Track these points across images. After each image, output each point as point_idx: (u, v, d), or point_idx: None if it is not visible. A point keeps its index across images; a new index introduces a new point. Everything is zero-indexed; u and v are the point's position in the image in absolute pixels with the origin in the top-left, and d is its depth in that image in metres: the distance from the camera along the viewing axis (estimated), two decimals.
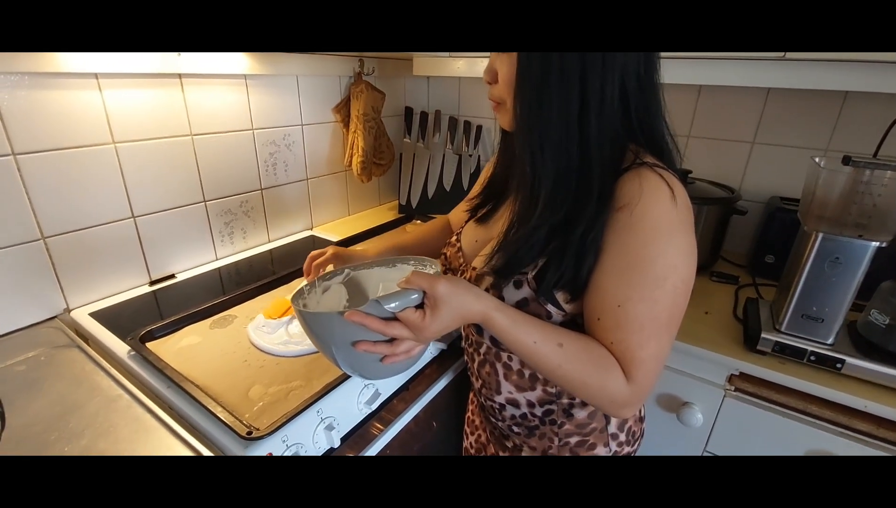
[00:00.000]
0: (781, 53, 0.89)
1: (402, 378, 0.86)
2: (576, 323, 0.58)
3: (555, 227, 0.54)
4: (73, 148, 0.88)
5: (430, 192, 1.58)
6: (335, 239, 1.31)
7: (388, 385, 0.83)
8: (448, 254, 0.76)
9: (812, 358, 0.83)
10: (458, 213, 0.86)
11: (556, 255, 0.54)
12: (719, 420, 0.92)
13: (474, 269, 0.65)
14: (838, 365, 0.81)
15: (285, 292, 1.03)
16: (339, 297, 0.68)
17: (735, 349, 0.89)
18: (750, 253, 1.25)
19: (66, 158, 0.88)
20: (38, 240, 0.87)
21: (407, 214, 1.56)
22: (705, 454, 0.96)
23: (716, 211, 1.14)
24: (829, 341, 0.83)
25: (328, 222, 1.50)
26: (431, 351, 0.92)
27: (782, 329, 0.86)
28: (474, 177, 1.59)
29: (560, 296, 0.55)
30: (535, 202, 0.55)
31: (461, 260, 0.72)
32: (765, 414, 0.87)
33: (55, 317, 0.92)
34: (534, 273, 0.56)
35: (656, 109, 0.56)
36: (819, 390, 0.81)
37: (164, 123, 1.00)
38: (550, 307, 0.56)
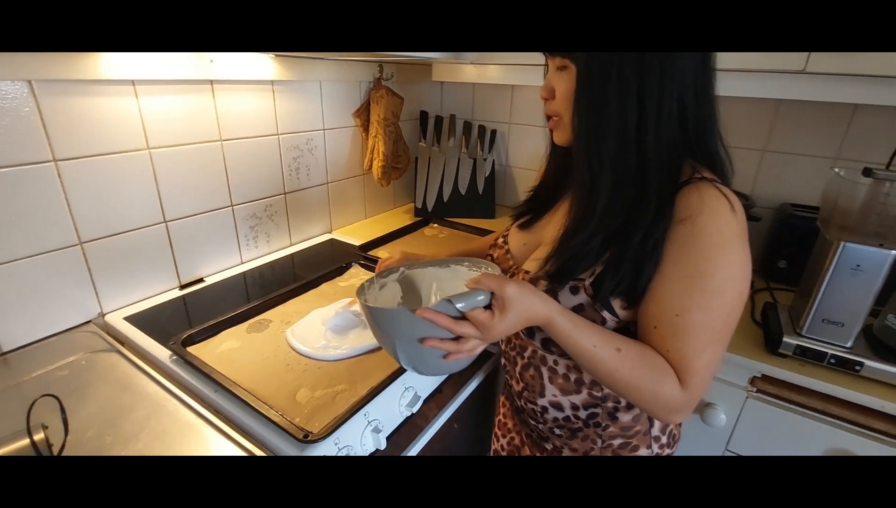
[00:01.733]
0: (801, 68, 0.92)
1: (437, 381, 0.89)
2: (628, 330, 0.60)
3: (611, 235, 0.56)
4: (111, 154, 0.89)
5: (446, 195, 1.61)
6: (356, 243, 1.33)
7: (426, 388, 0.85)
8: (496, 255, 0.78)
9: (832, 361, 0.86)
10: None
11: (613, 263, 0.56)
12: (741, 420, 0.96)
13: (527, 272, 0.67)
14: (857, 367, 0.85)
15: (315, 297, 1.05)
16: (394, 294, 0.70)
17: (757, 351, 0.93)
18: (763, 258, 1.29)
19: (104, 164, 0.88)
20: (76, 245, 0.88)
21: (423, 217, 1.57)
22: (727, 453, 1.00)
23: None
24: (849, 344, 0.86)
25: (347, 226, 1.51)
26: None
27: (803, 333, 0.89)
28: (489, 181, 1.62)
29: (616, 303, 0.58)
30: (592, 211, 0.57)
31: (510, 262, 0.74)
32: (785, 415, 0.91)
33: (90, 321, 0.93)
34: (591, 280, 0.58)
35: (712, 123, 0.58)
36: (838, 391, 0.84)
37: (196, 128, 1.01)
38: (606, 314, 0.58)
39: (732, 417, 0.96)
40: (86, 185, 0.87)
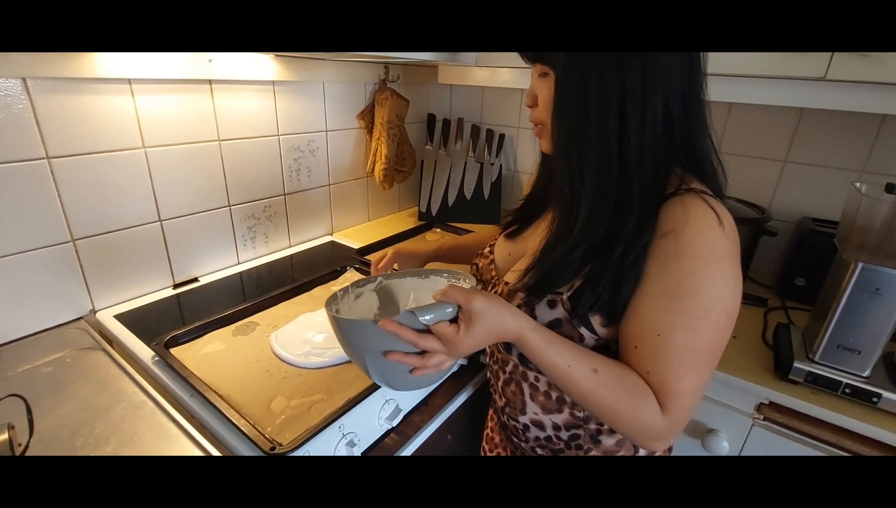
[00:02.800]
0: (822, 74, 0.86)
1: (423, 393, 0.86)
2: (609, 349, 0.56)
3: (592, 248, 0.53)
4: (105, 152, 0.89)
5: (451, 200, 1.58)
6: (355, 246, 1.31)
7: (409, 400, 0.82)
8: (480, 265, 0.76)
9: (847, 391, 0.80)
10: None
11: (592, 277, 0.53)
12: (746, 449, 0.90)
13: (507, 284, 0.64)
14: (874, 399, 0.78)
15: (307, 300, 1.03)
16: (370, 304, 0.68)
17: (765, 376, 0.87)
18: (779, 274, 1.22)
19: (98, 162, 0.89)
20: (69, 242, 0.88)
21: (427, 221, 1.55)
22: None
23: (745, 232, 1.11)
24: (866, 373, 0.80)
25: (348, 228, 1.50)
26: (452, 367, 0.91)
27: (816, 359, 0.83)
28: (495, 186, 1.58)
29: (595, 320, 0.54)
30: (572, 222, 0.54)
31: (493, 273, 0.71)
32: (794, 446, 0.84)
33: (81, 318, 0.93)
34: (569, 294, 0.55)
35: (701, 130, 0.54)
36: (853, 423, 0.78)
37: (194, 128, 1.01)
38: (584, 331, 0.55)
39: (736, 445, 0.90)
40: (79, 182, 0.87)
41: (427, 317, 0.49)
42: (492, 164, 1.58)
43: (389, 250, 0.86)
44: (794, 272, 1.13)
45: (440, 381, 0.57)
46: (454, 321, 0.51)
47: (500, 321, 0.51)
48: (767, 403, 0.86)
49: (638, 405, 0.51)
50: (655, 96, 0.49)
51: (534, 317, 0.57)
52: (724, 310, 0.49)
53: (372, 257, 0.88)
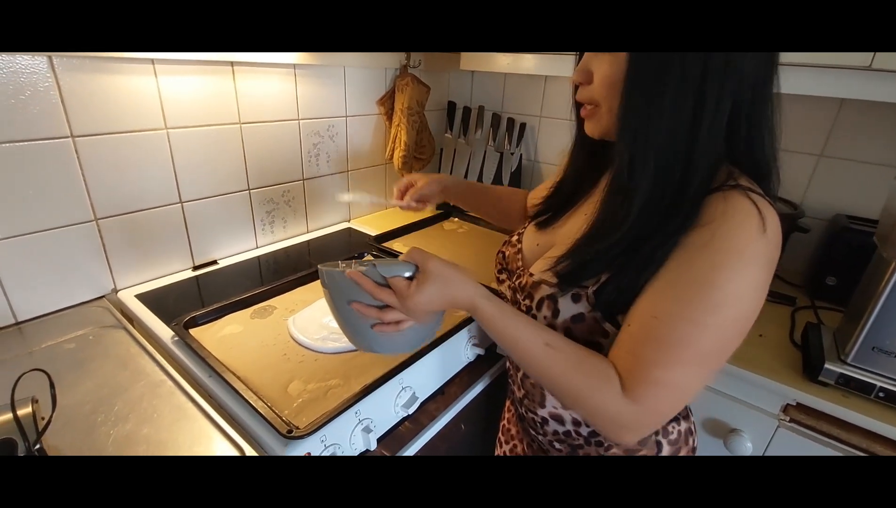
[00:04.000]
0: (867, 64, 0.82)
1: (438, 381, 0.85)
2: None
3: (634, 244, 0.50)
4: (128, 132, 0.89)
5: None
6: (373, 233, 1.30)
7: (425, 388, 0.82)
8: (507, 253, 0.74)
9: (881, 394, 0.77)
10: (536, 196, 0.82)
11: (619, 270, 0.51)
12: (770, 451, 0.87)
13: (531, 275, 0.62)
14: None
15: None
16: None
17: (792, 377, 0.84)
18: (809, 273, 1.18)
19: (121, 142, 0.89)
20: (92, 221, 0.89)
21: (445, 210, 1.53)
22: None
23: None
24: None
25: (365, 215, 1.49)
26: (468, 356, 0.90)
27: (849, 361, 0.80)
28: (515, 176, 1.56)
29: (620, 317, 0.52)
30: (623, 213, 0.50)
31: (520, 263, 0.69)
32: (822, 449, 0.82)
33: (103, 297, 0.95)
34: (594, 288, 0.53)
35: (765, 129, 0.51)
36: (886, 429, 0.75)
37: (215, 110, 1.01)
38: (608, 326, 0.53)
39: (760, 446, 0.88)
40: (102, 162, 0.87)
41: (385, 270, 0.55)
42: (511, 153, 1.55)
43: (423, 178, 0.90)
44: (825, 271, 1.09)
45: (408, 351, 0.67)
46: (412, 279, 0.55)
47: (451, 283, 0.54)
48: (794, 404, 0.83)
49: (596, 387, 0.49)
50: (733, 92, 0.46)
51: (556, 311, 0.55)
52: (740, 312, 0.46)
53: (396, 248, 0.92)
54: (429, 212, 1.52)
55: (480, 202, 0.96)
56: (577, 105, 0.59)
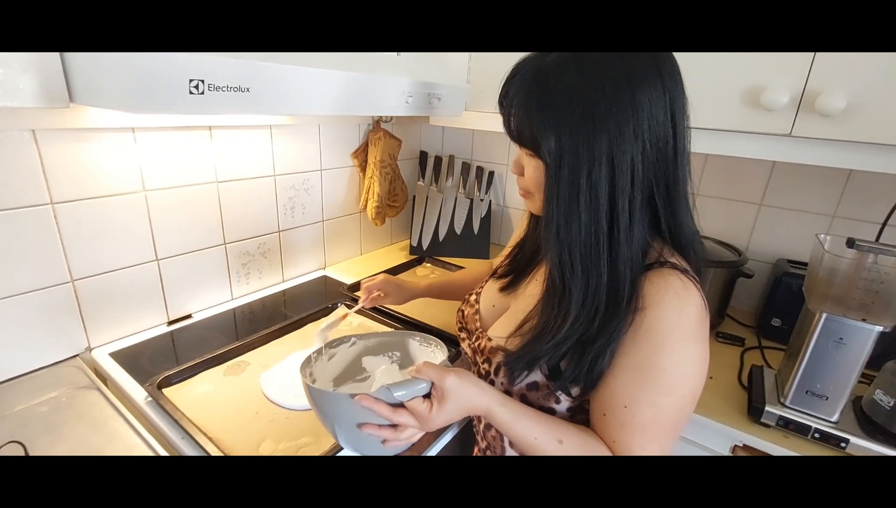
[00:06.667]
0: (787, 131, 0.92)
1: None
2: (583, 409, 0.59)
3: (581, 338, 0.54)
4: (107, 196, 0.93)
5: (442, 234, 1.62)
6: (347, 280, 1.34)
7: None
8: (466, 313, 0.78)
9: (816, 435, 0.83)
10: (503, 254, 0.86)
11: (573, 353, 0.55)
12: None
13: (489, 339, 0.67)
14: (843, 444, 0.81)
15: (297, 339, 1.06)
16: (343, 366, 0.71)
17: (739, 419, 0.90)
18: (757, 314, 1.26)
19: (100, 206, 0.92)
20: (68, 283, 0.91)
21: (418, 255, 1.59)
22: None
23: (722, 274, 1.16)
24: (834, 418, 0.83)
25: (341, 262, 1.54)
26: None
27: (787, 403, 0.86)
28: (485, 221, 1.63)
29: (571, 387, 0.57)
30: (564, 315, 0.55)
31: (478, 324, 0.74)
32: None
33: (77, 356, 0.96)
34: (547, 360, 0.57)
35: (685, 211, 0.55)
36: None
37: (193, 171, 1.05)
38: (560, 394, 0.58)
39: None
40: (80, 225, 0.90)
41: (401, 393, 0.52)
42: (481, 200, 1.63)
43: (381, 275, 0.94)
44: (770, 313, 1.17)
45: (407, 448, 0.60)
46: (427, 396, 0.54)
47: (470, 397, 0.54)
48: (741, 445, 0.89)
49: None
50: (642, 192, 0.51)
51: (513, 377, 0.60)
52: (688, 387, 0.52)
53: (364, 281, 0.96)
54: (402, 258, 1.58)
55: (449, 292, 1.02)
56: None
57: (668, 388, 0.51)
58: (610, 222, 0.51)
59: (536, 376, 0.58)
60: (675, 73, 0.52)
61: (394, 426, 0.54)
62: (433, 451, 0.89)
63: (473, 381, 0.55)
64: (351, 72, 0.70)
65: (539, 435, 0.54)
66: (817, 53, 0.85)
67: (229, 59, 0.55)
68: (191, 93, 0.53)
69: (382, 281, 0.94)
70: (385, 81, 0.77)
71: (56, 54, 0.55)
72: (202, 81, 0.53)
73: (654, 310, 0.51)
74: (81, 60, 0.54)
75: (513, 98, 0.54)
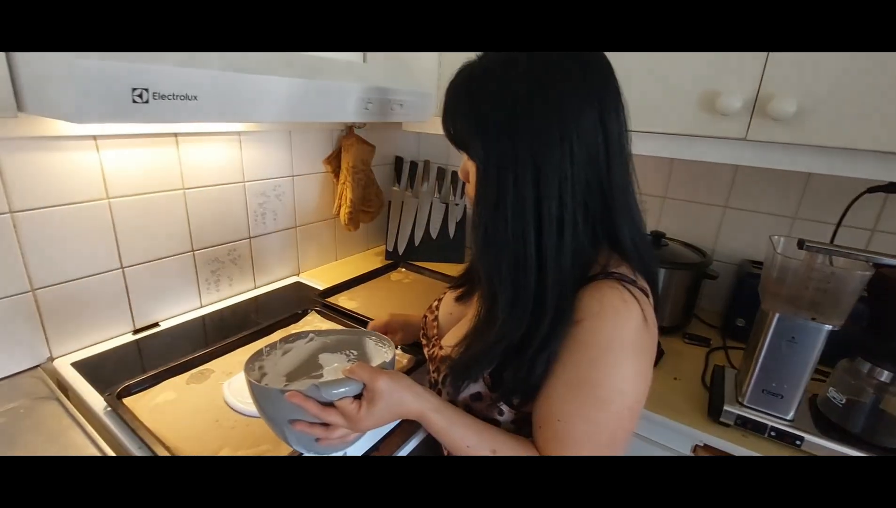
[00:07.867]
0: (743, 135, 0.94)
1: (372, 441, 0.88)
2: (527, 421, 0.59)
3: (512, 344, 0.55)
4: (69, 204, 0.92)
5: (417, 239, 1.63)
6: (321, 286, 1.34)
7: (357, 448, 0.84)
8: (427, 319, 0.79)
9: (772, 434, 0.85)
10: None
11: (511, 362, 0.55)
12: None
13: (441, 348, 0.67)
14: (798, 442, 0.83)
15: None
16: (296, 361, 0.71)
17: (700, 419, 0.91)
18: (722, 314, 1.28)
19: (61, 214, 0.92)
20: (28, 292, 0.90)
21: (394, 260, 1.59)
22: None
23: (687, 275, 1.17)
24: (789, 416, 0.85)
25: (315, 268, 1.53)
26: None
27: (745, 402, 0.88)
28: (460, 225, 1.64)
29: (514, 397, 0.57)
30: (493, 320, 0.55)
31: (435, 331, 0.75)
32: None
33: (38, 366, 0.95)
34: (489, 370, 0.58)
35: (623, 216, 0.54)
36: None
37: (158, 178, 1.05)
38: (503, 405, 0.58)
39: None
40: (41, 234, 0.90)
41: (331, 392, 0.52)
42: (456, 204, 1.64)
43: (385, 316, 0.87)
44: (734, 313, 1.20)
45: (347, 449, 0.62)
46: (359, 397, 0.53)
47: (401, 400, 0.53)
48: (702, 445, 0.90)
49: None
50: (574, 198, 0.50)
51: (457, 386, 0.60)
52: (624, 404, 0.50)
53: (341, 303, 1.01)
54: (378, 263, 1.58)
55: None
56: None
57: (603, 403, 0.50)
58: (538, 227, 0.51)
59: (479, 386, 0.59)
60: (605, 74, 0.51)
61: (325, 424, 0.54)
62: (405, 451, 0.89)
63: (407, 385, 0.55)
64: (305, 78, 0.71)
65: (473, 444, 0.54)
66: (769, 57, 0.87)
67: (173, 67, 0.55)
68: (134, 102, 0.53)
69: (388, 322, 0.86)
70: (342, 87, 0.78)
71: (3, 64, 0.55)
72: (146, 90, 0.54)
73: (591, 323, 0.50)
74: (28, 69, 0.54)
75: (447, 102, 0.55)
